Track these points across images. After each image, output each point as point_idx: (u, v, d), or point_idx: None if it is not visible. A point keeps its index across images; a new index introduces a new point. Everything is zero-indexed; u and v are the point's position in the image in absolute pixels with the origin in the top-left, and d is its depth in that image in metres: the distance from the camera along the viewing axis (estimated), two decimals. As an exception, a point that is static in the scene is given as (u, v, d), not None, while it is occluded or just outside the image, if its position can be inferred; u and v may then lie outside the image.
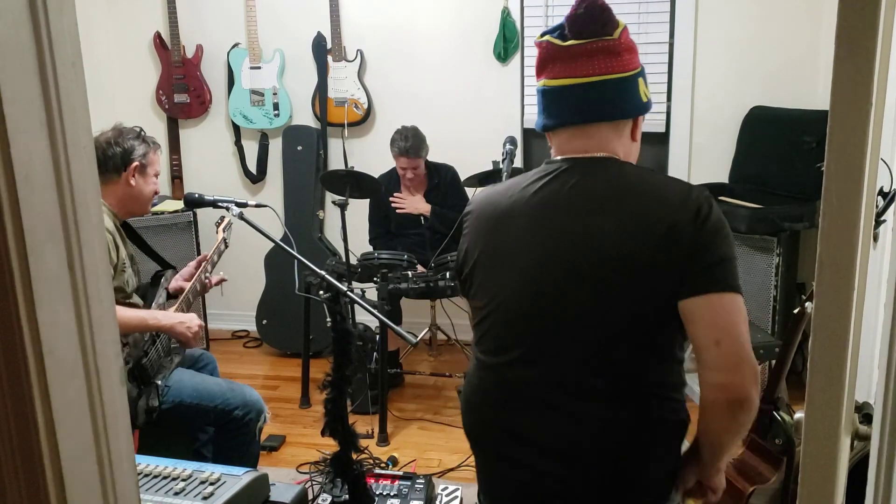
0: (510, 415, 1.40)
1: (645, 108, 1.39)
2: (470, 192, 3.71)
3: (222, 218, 2.72)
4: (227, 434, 2.54)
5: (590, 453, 1.33)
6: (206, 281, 2.61)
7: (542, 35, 1.38)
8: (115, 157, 2.38)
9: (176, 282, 2.59)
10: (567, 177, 1.36)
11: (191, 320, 2.38)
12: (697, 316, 1.26)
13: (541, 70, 1.39)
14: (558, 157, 1.40)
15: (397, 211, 3.90)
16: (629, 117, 1.39)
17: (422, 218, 3.90)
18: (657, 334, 1.32)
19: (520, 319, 1.37)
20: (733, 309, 1.25)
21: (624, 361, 1.31)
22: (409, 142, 3.74)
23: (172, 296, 2.54)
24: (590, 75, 1.32)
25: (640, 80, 1.38)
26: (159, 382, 2.37)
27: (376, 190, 3.68)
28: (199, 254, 4.28)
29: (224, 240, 2.68)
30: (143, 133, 2.48)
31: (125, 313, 2.22)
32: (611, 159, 1.37)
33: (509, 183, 1.46)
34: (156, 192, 2.52)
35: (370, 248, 3.92)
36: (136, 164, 2.41)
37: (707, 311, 1.25)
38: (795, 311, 1.99)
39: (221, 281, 2.69)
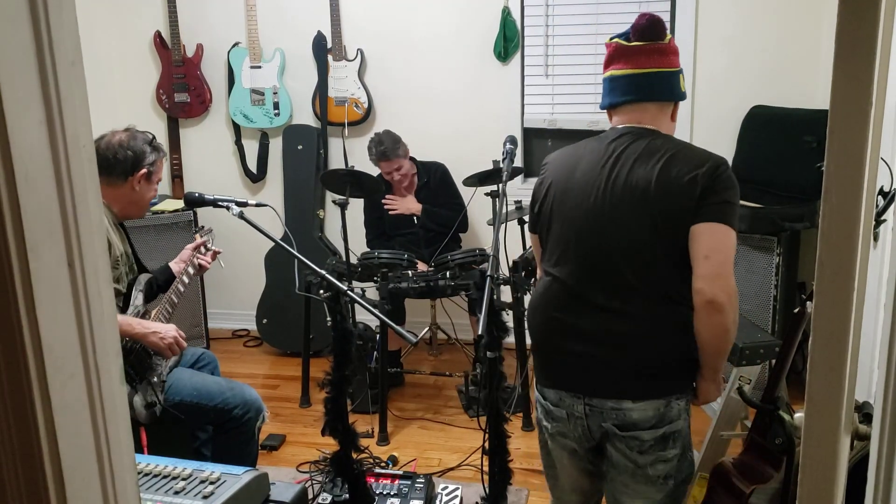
0: (564, 312, 1.83)
1: (682, 96, 1.87)
2: (469, 190, 3.71)
3: (203, 229, 2.73)
4: (226, 433, 2.54)
5: (625, 339, 1.76)
6: (201, 262, 2.59)
7: (612, 38, 1.86)
8: (125, 162, 2.40)
9: (176, 265, 2.59)
10: (624, 139, 1.82)
11: (166, 331, 2.35)
12: (698, 235, 1.69)
13: (609, 63, 1.86)
14: (619, 126, 1.86)
15: (390, 213, 3.92)
16: (671, 101, 1.86)
17: (414, 218, 3.91)
18: (680, 254, 1.72)
19: (579, 238, 1.81)
20: (726, 237, 1.69)
21: (654, 273, 1.74)
22: (384, 145, 3.76)
23: (150, 298, 2.51)
24: (646, 68, 1.80)
25: (680, 76, 1.86)
26: (154, 380, 2.37)
27: (377, 189, 3.68)
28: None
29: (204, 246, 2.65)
30: (154, 140, 2.50)
31: None
32: (655, 131, 1.82)
33: (579, 143, 1.96)
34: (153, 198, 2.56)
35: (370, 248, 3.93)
36: (143, 171, 2.43)
37: (706, 233, 1.69)
38: (795, 310, 2.00)
39: (216, 254, 2.66)
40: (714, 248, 1.68)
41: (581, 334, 1.80)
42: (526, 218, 3.71)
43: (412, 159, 3.96)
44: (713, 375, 1.82)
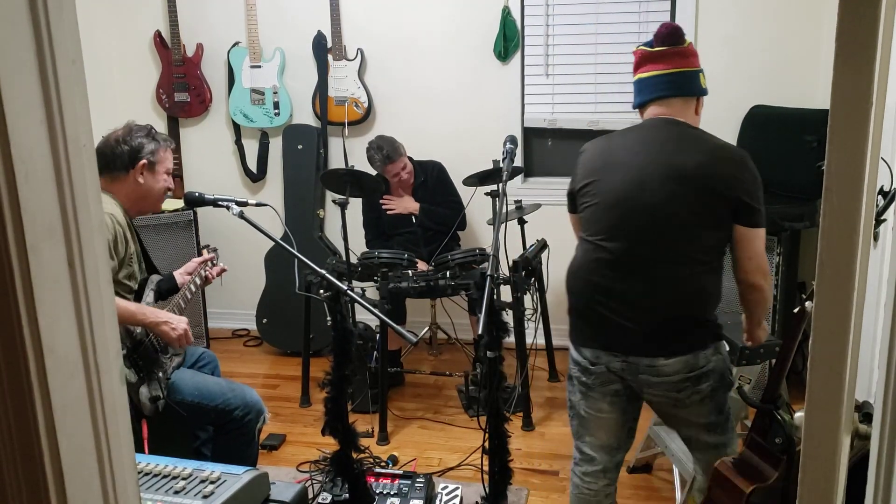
0: (606, 278, 2.05)
1: (704, 91, 2.13)
2: (469, 190, 3.71)
3: (209, 247, 2.74)
4: (226, 434, 2.54)
5: (660, 303, 2.00)
6: (208, 273, 2.61)
7: (638, 46, 2.14)
8: (122, 156, 2.39)
9: (180, 276, 2.59)
10: (654, 129, 2.09)
11: (178, 322, 2.36)
12: (743, 239, 2.00)
13: (637, 67, 2.13)
14: (651, 118, 2.11)
15: (388, 213, 3.92)
16: (694, 95, 2.11)
17: (412, 217, 3.91)
18: (714, 225, 2.00)
19: (624, 210, 2.04)
20: (762, 240, 2.02)
21: (691, 243, 2.00)
22: (385, 149, 3.78)
23: (160, 297, 2.52)
24: (670, 68, 2.07)
25: (701, 74, 2.12)
26: (160, 375, 2.38)
27: (376, 189, 3.68)
28: (199, 253, 4.29)
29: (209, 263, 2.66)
30: (153, 131, 2.48)
31: (119, 303, 2.21)
32: (682, 122, 2.08)
33: (612, 133, 2.20)
34: (168, 189, 2.52)
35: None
36: (143, 161, 2.42)
37: (751, 239, 2.00)
38: (796, 310, 2.00)
39: (222, 271, 2.67)
40: (757, 252, 2.01)
41: (620, 299, 2.03)
42: (526, 218, 3.72)
43: (409, 158, 3.97)
44: (759, 323, 2.18)
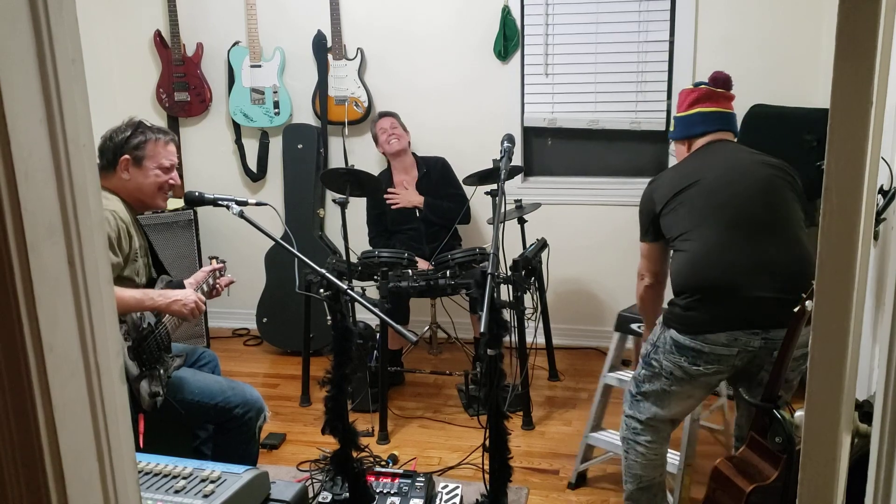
0: (737, 252, 2.23)
1: (738, 131, 2.56)
2: (469, 190, 3.71)
3: (217, 259, 2.72)
4: (226, 433, 2.54)
5: (790, 274, 2.17)
6: (216, 283, 2.60)
7: (697, 84, 2.51)
8: (107, 153, 2.36)
9: (190, 285, 2.60)
10: (721, 144, 2.45)
11: (186, 297, 2.33)
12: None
13: (696, 102, 2.47)
14: (710, 141, 2.45)
15: (392, 206, 3.92)
16: (735, 134, 2.52)
17: (416, 211, 3.91)
18: (802, 205, 2.31)
19: (739, 206, 2.26)
20: None
21: (797, 221, 2.28)
22: (384, 111, 4.05)
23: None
24: (726, 108, 2.50)
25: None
26: (161, 373, 2.38)
27: (377, 188, 3.68)
28: (199, 252, 4.31)
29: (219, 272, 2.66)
30: (143, 124, 2.42)
31: (122, 293, 2.19)
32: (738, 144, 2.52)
33: (678, 164, 2.53)
34: (168, 185, 2.46)
35: (370, 247, 3.92)
36: (125, 157, 2.36)
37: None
38: (795, 309, 2.00)
39: (230, 283, 2.68)
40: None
41: (760, 266, 2.19)
42: (526, 217, 3.73)
43: (413, 154, 3.98)
44: None
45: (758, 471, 2.06)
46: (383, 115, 4.03)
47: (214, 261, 2.67)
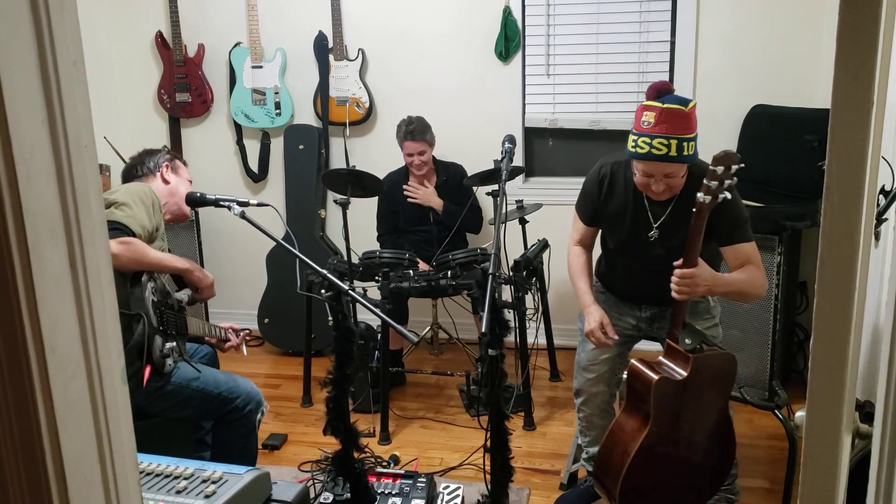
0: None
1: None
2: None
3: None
4: (227, 425, 2.55)
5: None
6: (232, 337, 2.84)
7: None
8: (148, 163, 2.65)
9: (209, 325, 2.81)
10: None
11: (206, 274, 2.60)
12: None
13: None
14: None
15: (409, 200, 3.88)
16: None
17: (431, 214, 3.89)
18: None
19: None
20: None
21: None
22: (413, 125, 3.78)
23: (191, 302, 2.63)
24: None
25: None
26: (175, 344, 2.43)
27: (378, 189, 3.67)
28: (199, 252, 4.36)
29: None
30: (165, 149, 2.81)
31: (148, 250, 2.33)
32: None
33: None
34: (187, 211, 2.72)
35: (372, 247, 3.91)
36: (166, 164, 2.65)
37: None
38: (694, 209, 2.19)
39: (246, 338, 2.92)
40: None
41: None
42: (527, 217, 3.73)
43: (434, 159, 3.94)
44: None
45: (673, 369, 2.28)
46: (412, 134, 3.78)
47: (237, 333, 2.89)
